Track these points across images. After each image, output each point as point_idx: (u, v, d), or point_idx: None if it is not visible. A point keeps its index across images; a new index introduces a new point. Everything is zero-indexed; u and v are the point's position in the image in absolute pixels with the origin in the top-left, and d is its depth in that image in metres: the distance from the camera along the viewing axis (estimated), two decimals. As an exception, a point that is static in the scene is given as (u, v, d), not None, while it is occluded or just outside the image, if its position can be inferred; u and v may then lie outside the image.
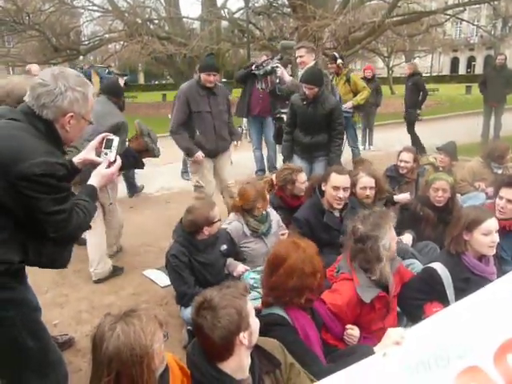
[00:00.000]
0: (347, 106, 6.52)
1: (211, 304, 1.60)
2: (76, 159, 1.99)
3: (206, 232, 3.00)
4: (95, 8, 19.65)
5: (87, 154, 2.02)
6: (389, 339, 1.78)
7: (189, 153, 4.43)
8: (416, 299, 2.54)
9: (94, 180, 1.97)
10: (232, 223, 3.36)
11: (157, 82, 47.26)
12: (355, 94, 6.74)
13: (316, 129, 4.37)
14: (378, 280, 2.36)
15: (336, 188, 3.21)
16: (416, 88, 8.68)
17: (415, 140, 8.70)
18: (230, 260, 3.21)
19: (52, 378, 1.85)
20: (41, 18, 17.49)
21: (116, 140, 2.04)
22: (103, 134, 2.05)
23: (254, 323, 1.68)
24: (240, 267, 3.13)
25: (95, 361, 1.46)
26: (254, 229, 3.30)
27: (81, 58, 24.74)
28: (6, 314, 1.70)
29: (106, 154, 2.02)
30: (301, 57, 5.00)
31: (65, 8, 19.01)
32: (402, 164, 4.34)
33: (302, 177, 3.73)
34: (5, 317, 1.70)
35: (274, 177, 3.96)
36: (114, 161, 2.02)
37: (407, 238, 3.42)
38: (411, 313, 2.61)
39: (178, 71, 20.75)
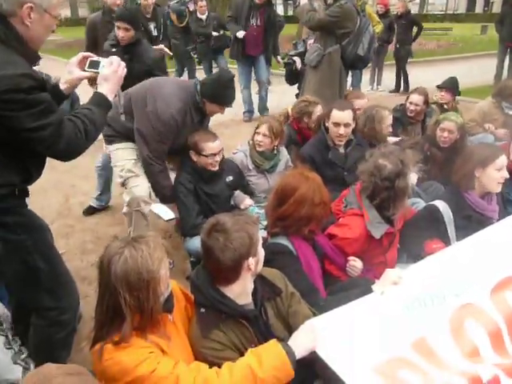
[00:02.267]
0: None
1: (224, 227, 1.61)
2: (62, 85, 1.83)
3: (193, 158, 2.89)
4: None
5: (71, 73, 1.84)
6: (387, 279, 1.84)
7: None
8: (416, 236, 2.55)
9: (100, 88, 1.82)
10: (237, 153, 3.32)
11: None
12: None
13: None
14: (388, 216, 2.36)
15: (337, 124, 3.14)
16: (411, 24, 8.66)
17: (406, 78, 8.75)
18: (237, 192, 3.16)
19: (64, 300, 1.89)
20: None
21: (104, 61, 1.83)
22: (85, 53, 1.87)
23: (261, 252, 1.70)
24: (247, 200, 3.11)
25: (102, 284, 1.49)
26: (257, 164, 3.26)
27: (79, -13, 23.45)
28: (18, 237, 1.70)
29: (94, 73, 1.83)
30: None
31: None
32: (412, 107, 4.14)
33: (319, 109, 3.62)
34: (15, 240, 1.70)
35: (289, 109, 3.84)
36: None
37: (412, 177, 3.38)
38: (411, 250, 2.63)
39: None
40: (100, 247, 3.35)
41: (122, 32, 3.60)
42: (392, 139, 3.72)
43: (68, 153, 1.70)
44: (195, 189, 2.93)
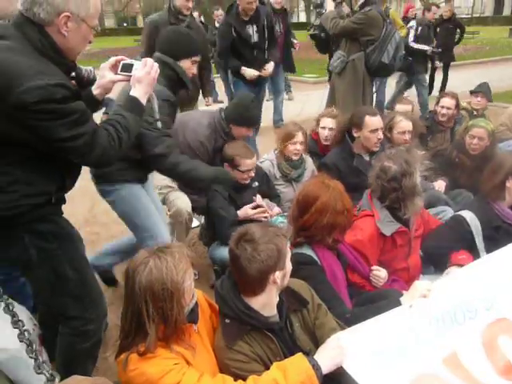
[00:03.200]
0: None
1: (253, 237, 1.59)
2: (94, 90, 1.82)
3: (227, 168, 2.93)
4: None
5: (103, 78, 1.80)
6: (415, 291, 1.80)
7: None
8: (442, 247, 2.50)
9: (133, 91, 1.78)
10: (264, 162, 3.30)
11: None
12: None
13: None
14: (401, 217, 2.35)
15: (374, 131, 3.11)
16: (455, 28, 8.45)
17: (445, 82, 8.58)
18: (266, 201, 3.13)
19: (91, 311, 1.88)
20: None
21: (137, 64, 1.79)
22: (118, 57, 1.84)
23: (289, 266, 1.68)
24: (276, 209, 3.09)
25: (127, 293, 1.49)
26: (285, 173, 3.24)
27: (105, -2, 24.07)
28: (50, 245, 1.71)
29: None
30: None
31: None
32: (444, 111, 3.99)
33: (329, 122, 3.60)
34: (47, 248, 1.71)
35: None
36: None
37: (440, 184, 3.32)
38: (437, 261, 2.58)
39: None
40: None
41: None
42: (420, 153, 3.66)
43: (101, 161, 1.69)
44: (229, 196, 2.95)
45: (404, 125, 3.37)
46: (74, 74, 1.89)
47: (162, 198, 3.09)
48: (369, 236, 2.31)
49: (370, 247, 2.32)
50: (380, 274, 2.25)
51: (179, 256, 1.47)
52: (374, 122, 3.12)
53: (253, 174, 2.96)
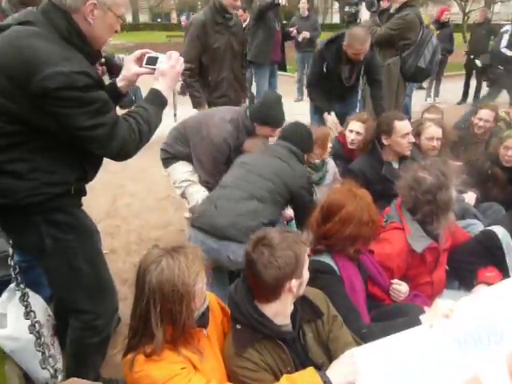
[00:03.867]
0: None
1: (272, 242, 1.54)
2: (119, 82, 1.80)
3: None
4: None
5: (127, 70, 1.78)
6: (437, 311, 1.69)
7: None
8: (470, 263, 2.39)
9: (156, 84, 1.75)
10: None
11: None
12: None
13: None
14: (431, 231, 2.24)
15: (405, 135, 3.01)
16: (489, 34, 8.24)
17: (479, 90, 8.37)
18: None
19: (102, 306, 1.87)
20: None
21: (162, 57, 1.76)
22: (143, 50, 1.82)
23: (306, 275, 1.62)
24: (287, 213, 3.03)
25: (137, 292, 1.46)
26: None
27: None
28: (65, 236, 1.70)
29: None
30: None
31: None
32: (481, 123, 3.77)
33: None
34: (63, 239, 1.70)
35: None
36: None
37: (470, 196, 3.18)
38: (463, 276, 2.47)
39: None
40: (143, 249, 3.36)
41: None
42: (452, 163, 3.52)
43: (121, 153, 1.66)
44: None
45: (432, 130, 3.24)
46: (103, 60, 1.88)
47: (180, 192, 3.10)
48: (398, 251, 2.20)
49: (398, 262, 2.21)
50: (400, 288, 2.14)
51: (193, 257, 1.43)
52: (403, 126, 3.02)
53: None
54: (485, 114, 3.79)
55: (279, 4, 5.17)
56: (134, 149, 1.69)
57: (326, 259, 1.96)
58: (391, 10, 4.41)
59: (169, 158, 3.09)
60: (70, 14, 1.53)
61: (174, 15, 39.91)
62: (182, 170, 3.07)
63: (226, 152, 2.93)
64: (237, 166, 2.71)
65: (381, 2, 4.96)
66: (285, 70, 6.26)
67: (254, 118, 2.92)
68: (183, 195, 3.12)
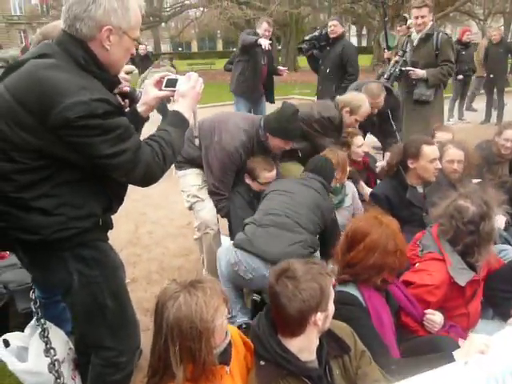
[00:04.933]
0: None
1: (295, 273, 1.50)
2: (139, 107, 1.78)
3: (247, 181, 3.00)
4: (177, -26, 19.87)
5: (147, 94, 1.77)
6: (472, 347, 1.59)
7: None
8: (504, 291, 2.28)
9: (176, 105, 1.73)
10: None
11: (235, 49, 47.36)
12: None
13: None
14: (472, 263, 2.13)
15: (433, 160, 2.94)
16: (507, 53, 8.27)
17: (502, 109, 8.25)
18: None
19: (125, 342, 1.83)
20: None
21: (181, 79, 1.74)
22: (162, 74, 1.81)
23: (332, 308, 1.56)
24: None
25: (155, 328, 1.42)
26: None
27: (163, 24, 25.37)
28: (91, 271, 1.68)
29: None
30: (422, 17, 4.30)
31: (148, -25, 19.43)
32: (508, 144, 3.64)
33: (359, 140, 3.51)
34: (89, 274, 1.68)
35: None
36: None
37: (500, 220, 3.06)
38: (499, 306, 2.35)
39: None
40: (164, 278, 3.36)
41: None
42: (475, 181, 3.40)
43: (146, 178, 1.63)
44: (252, 202, 2.97)
45: (452, 153, 3.16)
46: (127, 91, 1.88)
47: (188, 206, 3.14)
48: (439, 283, 2.09)
49: (437, 294, 2.10)
50: (435, 318, 2.04)
51: (211, 292, 1.39)
52: (432, 151, 2.95)
53: None
54: (510, 134, 3.67)
55: (261, 45, 5.15)
56: (160, 172, 1.66)
57: (351, 290, 1.89)
58: (415, 37, 4.43)
59: (181, 162, 3.06)
60: (86, 43, 1.53)
61: (195, 43, 41.01)
62: (192, 182, 3.08)
63: (237, 161, 2.91)
64: (280, 193, 2.73)
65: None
66: (272, 102, 6.21)
67: (268, 128, 2.88)
68: (190, 208, 3.14)
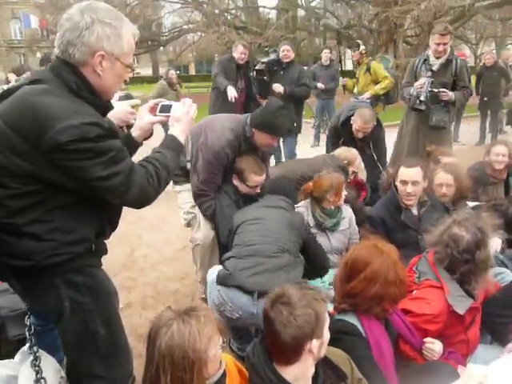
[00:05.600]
0: (364, 96, 5.98)
1: (290, 299, 1.49)
2: (134, 132, 1.80)
3: (235, 182, 2.97)
4: (175, 0, 20.28)
5: (142, 120, 1.80)
6: (470, 379, 1.57)
7: None
8: (502, 316, 2.24)
9: (171, 129, 1.75)
10: (299, 208, 3.14)
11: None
12: (376, 84, 6.09)
13: None
14: (468, 290, 2.10)
15: (404, 182, 2.95)
16: (500, 76, 8.38)
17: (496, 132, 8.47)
18: None
19: (116, 370, 1.79)
20: (126, 10, 18.33)
21: (175, 105, 1.77)
22: (156, 100, 1.84)
23: (327, 335, 1.54)
24: None
25: (147, 356, 1.40)
26: (319, 221, 3.07)
27: (161, 48, 25.72)
28: (83, 299, 1.66)
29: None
30: (444, 44, 4.32)
31: (148, 1, 19.85)
32: (500, 158, 3.71)
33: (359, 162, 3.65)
34: (81, 301, 1.65)
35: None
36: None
37: (496, 242, 3.05)
38: (497, 331, 2.31)
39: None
40: (159, 303, 3.32)
41: None
42: (471, 204, 3.41)
43: (140, 200, 1.63)
44: (238, 201, 2.96)
45: (441, 176, 3.19)
46: (133, 123, 1.89)
47: (185, 223, 3.21)
48: (438, 312, 2.06)
49: (437, 324, 2.07)
50: (434, 347, 2.00)
51: (205, 321, 1.36)
52: (405, 172, 2.98)
53: (259, 190, 2.97)
54: (501, 149, 3.76)
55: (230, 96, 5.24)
56: (154, 194, 1.66)
57: (351, 319, 1.86)
58: (434, 62, 4.44)
59: (177, 175, 3.06)
60: (78, 68, 1.54)
61: (192, 66, 41.58)
62: (186, 199, 3.14)
63: (224, 160, 2.87)
64: (251, 222, 2.66)
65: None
66: None
67: (254, 123, 2.84)
68: (188, 225, 3.21)
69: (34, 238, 1.54)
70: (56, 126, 1.41)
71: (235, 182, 2.98)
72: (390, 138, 4.74)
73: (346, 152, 3.72)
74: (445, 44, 4.30)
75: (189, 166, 2.16)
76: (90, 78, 1.56)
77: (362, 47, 6.54)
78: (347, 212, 3.21)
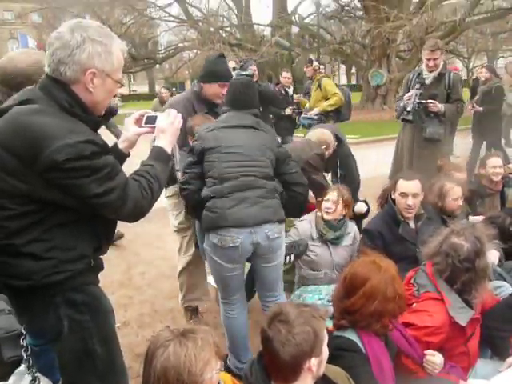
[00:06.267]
0: (312, 112, 6.06)
1: (288, 317, 1.47)
2: (120, 144, 1.81)
3: (190, 141, 2.83)
4: (171, 19, 20.61)
5: (128, 131, 1.82)
6: None
7: None
8: (502, 330, 2.23)
9: (158, 141, 1.77)
10: (302, 222, 3.16)
11: (227, 89, 48.17)
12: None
13: None
14: (469, 301, 2.10)
15: (404, 195, 2.95)
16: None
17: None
18: None
19: None
20: (121, 29, 18.59)
21: (161, 116, 1.79)
22: (141, 111, 1.86)
23: (326, 352, 1.52)
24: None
25: (144, 374, 1.39)
26: (321, 233, 3.07)
27: (157, 66, 25.97)
28: (81, 317, 1.64)
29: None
30: (435, 59, 4.43)
31: (143, 20, 20.14)
32: (497, 170, 3.77)
33: None
34: (79, 320, 1.64)
35: None
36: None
37: (493, 255, 3.04)
38: (496, 345, 2.30)
39: (247, 77, 21.13)
40: (156, 321, 3.30)
41: None
42: (475, 218, 3.43)
43: (135, 213, 1.64)
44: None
45: (457, 191, 3.20)
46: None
47: (174, 229, 3.17)
48: (440, 324, 2.04)
49: (438, 335, 2.05)
50: (435, 360, 1.98)
51: (202, 343, 1.34)
52: (405, 185, 2.97)
53: None
54: (497, 160, 3.82)
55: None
56: (148, 206, 1.67)
57: (350, 335, 1.84)
58: (427, 76, 4.54)
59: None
60: (69, 86, 1.55)
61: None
62: (173, 208, 3.13)
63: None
64: (225, 151, 2.51)
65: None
66: None
67: (200, 77, 3.03)
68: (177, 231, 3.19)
69: (32, 258, 1.53)
70: (52, 145, 1.42)
71: (190, 141, 2.87)
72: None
73: (322, 136, 3.62)
74: (435, 59, 4.40)
75: (179, 175, 2.15)
76: (81, 96, 1.57)
77: (316, 63, 6.60)
78: (352, 228, 3.21)
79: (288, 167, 2.62)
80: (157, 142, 1.77)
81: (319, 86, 6.19)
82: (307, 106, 6.36)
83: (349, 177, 3.93)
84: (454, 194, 3.18)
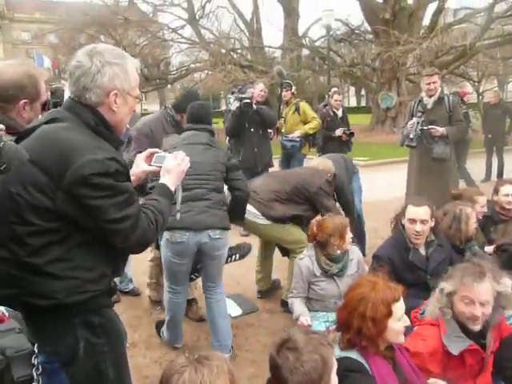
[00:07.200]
0: (294, 134, 6.16)
1: (296, 345, 1.47)
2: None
3: None
4: (183, 40, 21.02)
5: (137, 167, 1.90)
6: None
7: None
8: None
9: (162, 179, 1.84)
10: (303, 259, 3.13)
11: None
12: (305, 124, 6.25)
13: None
14: (470, 330, 2.07)
15: (412, 221, 2.95)
16: (505, 114, 8.60)
17: (502, 168, 8.45)
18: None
19: None
20: (135, 50, 18.99)
21: (169, 158, 1.87)
22: (151, 150, 1.94)
23: (335, 380, 1.51)
24: (302, 319, 2.89)
25: None
26: (324, 269, 3.04)
27: (168, 86, 26.39)
28: (98, 340, 1.65)
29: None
30: (434, 83, 4.90)
31: (157, 41, 20.56)
32: (509, 198, 3.71)
33: None
34: (95, 343, 1.65)
35: None
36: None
37: (507, 283, 3.01)
38: (509, 377, 2.24)
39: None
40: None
41: None
42: (489, 249, 3.41)
43: (141, 244, 1.69)
44: None
45: (474, 216, 3.25)
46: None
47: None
48: (432, 350, 2.04)
49: (430, 362, 2.04)
50: None
51: (217, 371, 1.33)
52: (413, 211, 2.96)
53: None
54: (508, 189, 3.76)
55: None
56: (152, 238, 1.73)
57: (356, 356, 1.83)
58: (428, 101, 4.93)
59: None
60: (95, 108, 1.62)
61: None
62: None
63: (148, 137, 3.52)
64: None
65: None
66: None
67: (181, 109, 3.44)
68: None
69: (55, 277, 1.55)
70: (79, 159, 1.48)
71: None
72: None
73: (326, 164, 3.97)
74: (434, 82, 4.89)
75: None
76: (106, 116, 1.65)
77: (294, 88, 6.71)
78: (354, 253, 3.18)
79: (235, 175, 3.07)
80: (161, 179, 1.84)
81: (297, 109, 6.34)
82: (283, 129, 6.43)
83: (348, 207, 4.13)
84: (474, 219, 3.20)
